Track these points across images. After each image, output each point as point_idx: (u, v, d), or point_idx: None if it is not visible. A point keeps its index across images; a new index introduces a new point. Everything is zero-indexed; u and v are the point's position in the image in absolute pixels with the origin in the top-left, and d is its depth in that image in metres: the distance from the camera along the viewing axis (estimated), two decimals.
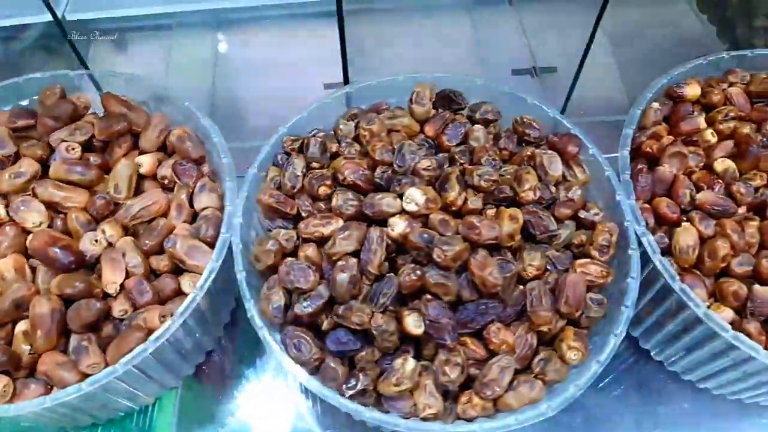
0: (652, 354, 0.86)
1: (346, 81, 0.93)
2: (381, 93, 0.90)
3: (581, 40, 1.42)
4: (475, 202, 0.73)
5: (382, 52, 1.33)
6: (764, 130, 0.80)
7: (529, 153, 0.79)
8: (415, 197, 0.70)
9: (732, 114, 0.82)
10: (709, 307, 0.70)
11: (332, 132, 0.85)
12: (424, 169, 0.74)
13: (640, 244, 0.72)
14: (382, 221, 0.71)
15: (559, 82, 1.25)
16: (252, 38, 1.38)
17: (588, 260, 0.72)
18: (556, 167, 0.77)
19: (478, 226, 0.69)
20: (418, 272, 0.67)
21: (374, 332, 0.67)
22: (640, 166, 0.78)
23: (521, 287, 0.70)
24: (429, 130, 0.83)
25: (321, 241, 0.72)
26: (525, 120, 0.82)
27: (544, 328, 0.68)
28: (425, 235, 0.68)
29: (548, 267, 0.73)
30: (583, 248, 0.75)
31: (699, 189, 0.76)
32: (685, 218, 0.75)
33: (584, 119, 1.11)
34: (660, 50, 1.32)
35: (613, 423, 0.84)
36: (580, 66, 0.93)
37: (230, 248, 0.73)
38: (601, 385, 0.87)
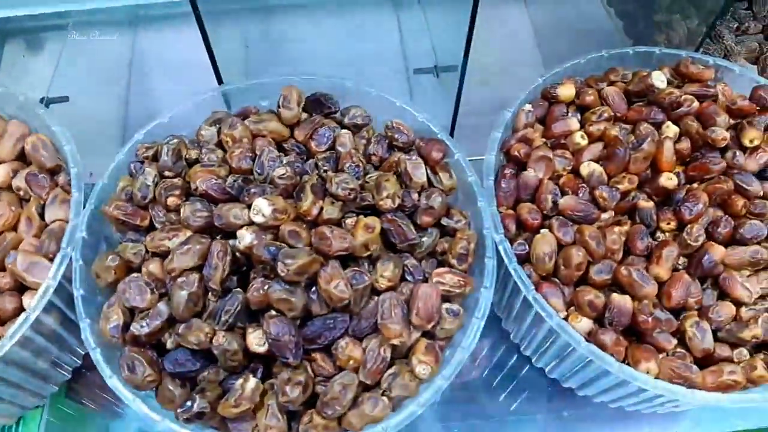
0: (533, 361, 0.85)
1: (220, 82, 0.89)
2: (260, 94, 0.87)
3: (480, 37, 1.41)
4: (331, 211, 0.70)
5: (283, 50, 1.30)
6: (638, 131, 0.78)
7: (396, 159, 0.77)
8: (262, 208, 0.66)
9: (606, 114, 0.81)
10: (567, 316, 0.69)
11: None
12: (279, 177, 0.71)
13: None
14: (232, 233, 0.68)
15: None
16: (169, 36, 1.34)
17: (446, 269, 0.70)
18: (419, 173, 0.75)
19: (329, 236, 0.66)
20: (265, 287, 0.65)
21: (215, 352, 0.64)
22: (506, 171, 0.76)
23: (377, 299, 0.68)
24: (299, 134, 0.80)
25: (167, 255, 0.68)
26: (394, 124, 0.80)
27: (396, 342, 0.66)
28: (271, 248, 0.65)
29: (407, 277, 0.71)
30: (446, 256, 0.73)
31: (565, 194, 0.74)
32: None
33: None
34: (574, 45, 1.31)
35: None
36: (464, 65, 0.90)
37: None
38: (485, 391, 0.86)
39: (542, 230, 0.71)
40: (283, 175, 0.71)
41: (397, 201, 0.72)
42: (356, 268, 0.68)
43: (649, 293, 0.67)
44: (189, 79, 1.00)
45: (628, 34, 1.20)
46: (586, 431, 0.82)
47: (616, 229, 0.73)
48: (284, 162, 0.74)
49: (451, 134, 1.09)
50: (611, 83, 0.85)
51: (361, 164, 0.75)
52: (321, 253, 0.66)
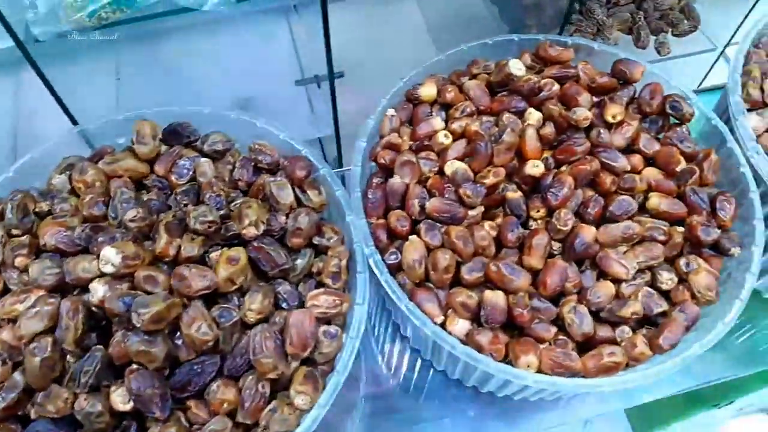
0: (434, 364, 0.84)
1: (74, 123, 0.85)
2: (117, 132, 0.83)
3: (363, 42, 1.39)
4: (190, 249, 0.67)
5: (168, 76, 1.26)
6: (501, 123, 0.78)
7: (261, 182, 0.74)
8: (110, 257, 0.63)
9: (468, 110, 0.80)
10: (444, 320, 0.67)
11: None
12: (130, 220, 0.68)
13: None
14: (86, 288, 0.64)
15: (349, 87, 1.22)
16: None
17: (321, 290, 0.68)
18: (285, 194, 0.72)
19: (187, 276, 0.63)
20: (126, 340, 0.61)
21: (78, 417, 0.60)
22: (373, 180, 0.75)
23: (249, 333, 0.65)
24: (159, 169, 0.77)
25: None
26: (257, 146, 0.77)
27: (272, 375, 0.63)
28: (125, 299, 0.62)
29: (282, 304, 0.68)
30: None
31: (433, 196, 0.73)
32: None
33: None
34: (468, 37, 1.31)
35: None
36: (330, 72, 0.88)
37: None
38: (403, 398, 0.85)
39: (411, 236, 0.69)
40: (135, 217, 0.68)
41: (262, 227, 0.69)
42: (223, 305, 0.66)
43: (521, 286, 0.67)
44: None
45: (504, 20, 1.20)
46: (494, 428, 0.81)
47: (487, 224, 0.72)
48: (137, 203, 0.70)
49: (338, 143, 1.08)
50: (473, 76, 0.84)
51: (222, 193, 0.72)
52: (182, 295, 0.63)
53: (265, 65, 1.39)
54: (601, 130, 0.78)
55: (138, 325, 0.60)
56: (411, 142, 0.79)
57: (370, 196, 0.72)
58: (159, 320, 0.60)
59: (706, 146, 0.80)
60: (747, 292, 0.68)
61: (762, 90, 0.82)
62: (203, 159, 0.76)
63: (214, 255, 0.69)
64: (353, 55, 1.39)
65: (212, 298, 0.67)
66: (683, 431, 1.39)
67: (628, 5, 1.21)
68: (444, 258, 0.66)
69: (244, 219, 0.69)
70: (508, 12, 1.18)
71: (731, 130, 0.80)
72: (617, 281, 0.72)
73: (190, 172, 0.76)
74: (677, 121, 0.82)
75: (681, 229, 0.74)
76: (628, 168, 0.76)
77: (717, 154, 0.78)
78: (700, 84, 1.26)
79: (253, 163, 0.77)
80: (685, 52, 1.19)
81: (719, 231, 0.72)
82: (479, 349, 0.64)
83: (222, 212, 0.71)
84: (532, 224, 0.74)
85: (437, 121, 0.79)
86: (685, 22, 1.20)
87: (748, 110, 0.82)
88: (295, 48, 1.40)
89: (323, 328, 0.67)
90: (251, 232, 0.68)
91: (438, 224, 0.71)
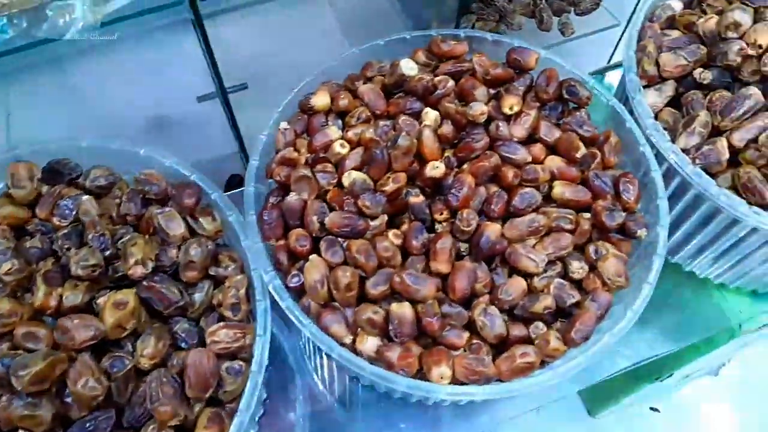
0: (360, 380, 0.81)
1: None
2: None
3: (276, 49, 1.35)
4: (73, 297, 0.63)
5: (57, 107, 1.20)
6: (398, 126, 0.75)
7: (150, 215, 0.70)
8: None
9: (364, 116, 0.77)
10: (354, 340, 0.65)
11: None
12: (5, 274, 0.63)
13: None
14: None
15: (259, 97, 1.19)
16: None
17: (221, 324, 0.64)
18: (175, 226, 0.69)
19: (70, 328, 0.59)
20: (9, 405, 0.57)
21: None
22: (269, 200, 0.72)
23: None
24: (41, 212, 0.72)
25: None
26: (143, 176, 0.73)
27: (174, 422, 0.59)
28: (4, 360, 0.57)
29: (181, 344, 0.65)
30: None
31: (333, 210, 0.70)
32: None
33: None
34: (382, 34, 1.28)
35: None
36: (220, 88, 0.85)
37: None
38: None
39: (311, 256, 0.66)
40: (10, 270, 0.63)
41: (150, 264, 0.65)
42: (115, 353, 0.62)
43: (427, 294, 0.64)
44: None
45: (407, 16, 1.18)
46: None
47: (391, 233, 0.70)
48: (13, 254, 0.65)
49: (245, 160, 1.04)
50: (367, 80, 0.81)
51: (107, 232, 0.68)
52: (68, 349, 0.59)
53: (178, 81, 1.34)
54: (500, 123, 0.76)
55: (19, 388, 0.56)
56: (309, 155, 0.76)
57: (265, 218, 0.69)
58: (41, 380, 0.56)
59: (611, 128, 0.79)
60: (655, 274, 0.67)
61: (658, 64, 0.81)
62: (85, 197, 0.71)
63: (101, 300, 0.64)
64: (264, 63, 1.36)
65: (105, 346, 0.63)
66: (632, 404, 1.41)
67: None
68: (344, 276, 0.63)
69: (129, 258, 0.64)
70: (410, 8, 1.16)
71: (631, 111, 0.80)
72: (529, 276, 0.70)
73: (74, 212, 0.71)
74: (576, 106, 0.80)
75: (588, 215, 0.73)
76: (529, 159, 0.74)
77: (618, 135, 0.78)
78: (609, 60, 1.26)
79: (140, 195, 0.73)
80: (590, 30, 1.19)
81: (624, 214, 0.71)
82: (389, 366, 0.62)
83: (108, 252, 0.67)
84: (438, 227, 0.72)
85: (333, 131, 0.76)
86: None
87: (646, 86, 0.82)
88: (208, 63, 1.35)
89: (226, 364, 0.63)
90: (138, 271, 0.64)
91: (340, 239, 0.68)
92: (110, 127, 1.25)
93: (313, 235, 0.69)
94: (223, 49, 1.31)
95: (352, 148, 0.74)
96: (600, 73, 1.13)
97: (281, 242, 0.70)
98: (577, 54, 1.28)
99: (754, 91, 0.74)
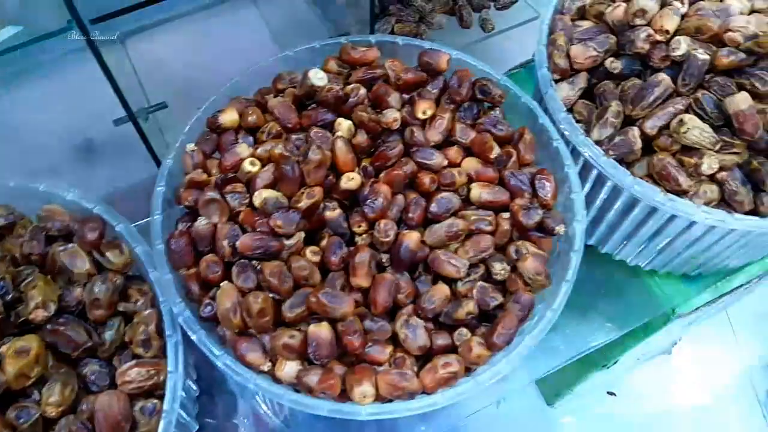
0: None
1: None
2: None
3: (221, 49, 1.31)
4: None
5: None
6: (310, 139, 0.73)
7: (53, 253, 0.67)
8: None
9: (275, 131, 0.75)
10: (273, 366, 0.63)
11: None
12: None
13: None
14: None
15: (179, 116, 1.16)
16: None
17: (132, 363, 0.62)
18: (79, 263, 0.66)
19: None
20: None
21: None
22: (178, 226, 0.69)
23: None
24: None
25: None
26: (45, 212, 0.69)
27: None
28: None
29: (92, 387, 0.62)
30: None
31: (246, 232, 0.68)
32: None
33: None
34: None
35: None
36: (129, 113, 0.81)
37: None
38: None
39: (222, 283, 0.64)
40: None
41: (53, 307, 0.62)
42: (21, 404, 0.58)
43: (346, 311, 0.62)
44: None
45: (328, 22, 1.15)
46: None
47: (308, 251, 0.68)
48: None
49: None
50: (278, 93, 0.79)
51: (7, 276, 0.64)
52: None
53: (101, 104, 1.30)
54: (414, 129, 0.75)
55: None
56: (220, 176, 0.73)
57: (173, 246, 0.66)
58: None
59: (527, 125, 0.78)
60: (573, 272, 0.66)
61: (569, 57, 0.81)
62: None
63: (2, 349, 0.61)
64: (190, 78, 1.32)
65: (10, 397, 0.59)
66: (585, 392, 1.42)
67: None
68: (255, 302, 0.61)
69: (29, 302, 0.61)
70: (329, 13, 1.13)
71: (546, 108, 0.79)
72: (453, 281, 0.69)
73: None
74: (491, 105, 0.80)
75: (508, 215, 0.72)
76: (445, 163, 0.73)
77: (533, 131, 0.77)
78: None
79: (44, 232, 0.69)
80: (511, 24, 1.19)
81: (542, 212, 0.70)
82: (309, 391, 0.60)
83: (10, 296, 0.63)
84: (358, 240, 0.70)
85: (242, 149, 0.73)
86: None
87: (559, 80, 0.81)
88: (140, 81, 1.31)
89: (139, 404, 0.60)
90: (40, 315, 0.61)
91: (255, 263, 0.66)
92: (35, 158, 1.20)
93: (225, 260, 0.67)
94: (148, 65, 1.28)
95: (263, 166, 0.72)
96: (523, 67, 1.12)
97: (192, 271, 0.67)
98: (503, 49, 1.28)
99: (663, 78, 0.74)
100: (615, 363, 1.15)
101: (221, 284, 0.64)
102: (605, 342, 0.92)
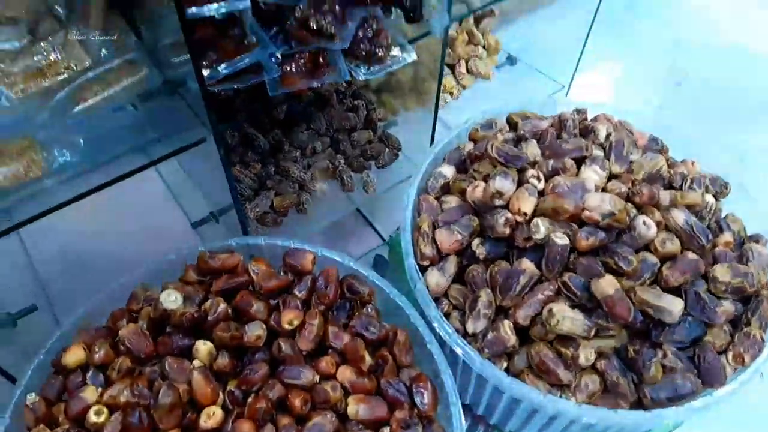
0: None
1: None
2: None
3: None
4: None
5: None
6: (165, 371, 0.67)
7: None
8: None
9: (126, 365, 0.68)
10: None
11: None
12: None
13: None
14: None
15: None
16: None
17: None
18: None
19: None
20: None
21: None
22: None
23: None
24: None
25: None
26: None
27: None
28: None
29: None
30: None
31: None
32: None
33: None
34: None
35: None
36: None
37: None
38: None
39: None
40: None
41: None
42: None
43: None
44: None
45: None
46: None
47: None
48: None
49: None
50: (131, 320, 0.73)
51: None
52: None
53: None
54: (282, 343, 0.70)
55: None
56: (69, 426, 0.65)
57: None
58: None
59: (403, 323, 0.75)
60: None
61: (435, 242, 0.79)
62: None
63: None
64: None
65: None
66: None
67: (326, 151, 1.19)
68: None
69: None
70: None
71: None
72: None
73: None
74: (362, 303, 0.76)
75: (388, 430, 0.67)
76: (317, 379, 0.68)
77: (408, 326, 0.74)
78: None
79: None
80: (395, 181, 1.19)
81: (421, 427, 0.66)
82: None
83: None
84: None
85: (89, 393, 0.66)
86: (387, 151, 1.20)
87: (429, 266, 0.79)
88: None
89: None
90: None
91: None
92: None
93: None
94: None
95: (111, 413, 0.65)
96: None
97: None
98: (391, 207, 1.28)
99: (527, 265, 0.72)
100: None
101: None
102: None
